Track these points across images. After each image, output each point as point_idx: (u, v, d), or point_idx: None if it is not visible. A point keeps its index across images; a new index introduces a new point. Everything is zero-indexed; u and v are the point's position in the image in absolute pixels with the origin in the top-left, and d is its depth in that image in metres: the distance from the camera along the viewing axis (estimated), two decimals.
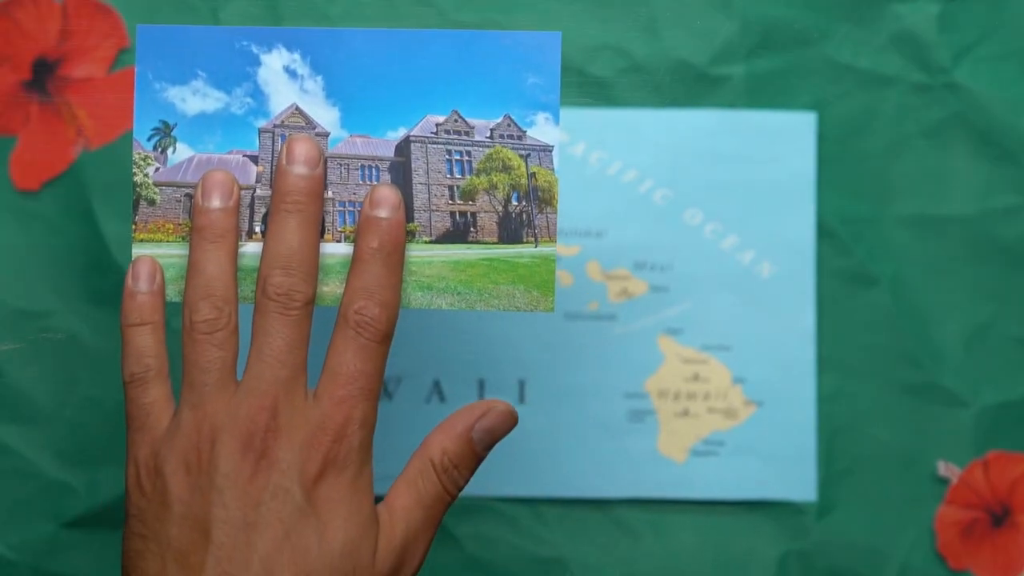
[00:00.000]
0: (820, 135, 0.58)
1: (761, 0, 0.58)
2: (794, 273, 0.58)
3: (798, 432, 0.58)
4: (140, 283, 0.43)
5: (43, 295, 0.57)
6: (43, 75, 0.57)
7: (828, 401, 0.58)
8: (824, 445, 0.58)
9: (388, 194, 0.42)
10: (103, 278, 0.57)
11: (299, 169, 0.42)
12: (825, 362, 0.58)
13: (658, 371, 0.58)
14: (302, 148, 0.42)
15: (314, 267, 0.42)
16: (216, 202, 0.42)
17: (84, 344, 0.57)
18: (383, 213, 0.42)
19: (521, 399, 0.58)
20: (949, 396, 0.58)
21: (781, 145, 0.58)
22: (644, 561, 0.58)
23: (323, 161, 0.43)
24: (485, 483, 0.57)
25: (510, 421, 0.43)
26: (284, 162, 0.42)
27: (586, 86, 0.58)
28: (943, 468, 0.58)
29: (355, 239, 0.42)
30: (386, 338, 0.41)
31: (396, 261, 0.42)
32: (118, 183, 0.57)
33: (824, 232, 0.58)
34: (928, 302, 0.58)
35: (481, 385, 0.58)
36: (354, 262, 0.42)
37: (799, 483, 0.58)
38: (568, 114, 0.58)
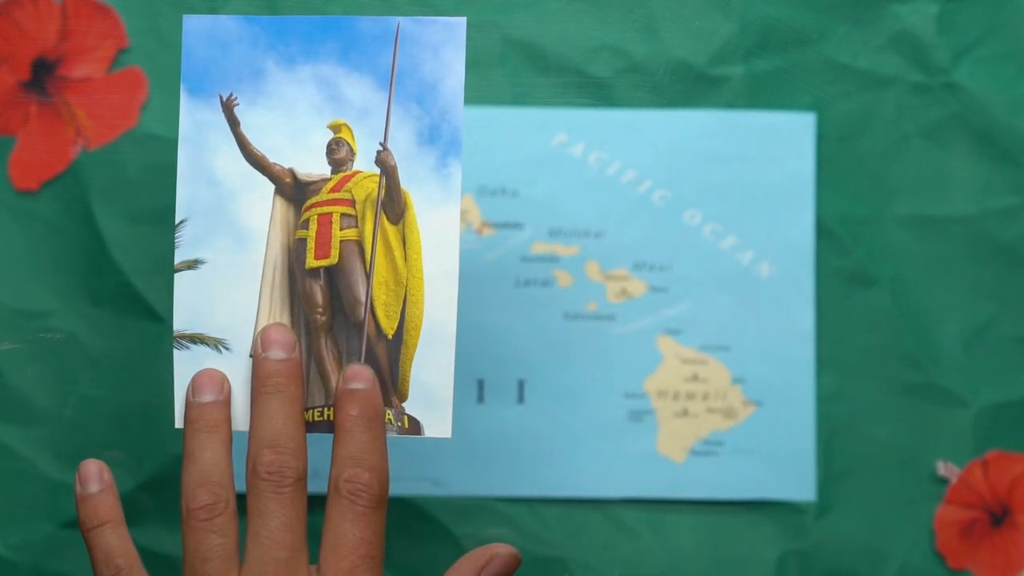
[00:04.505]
0: (819, 135, 0.58)
1: (760, 0, 0.58)
2: (793, 273, 0.58)
3: (797, 432, 0.58)
4: (90, 486, 0.43)
5: (43, 295, 0.57)
6: (42, 75, 0.57)
7: (827, 401, 0.58)
8: (823, 445, 0.58)
9: (361, 370, 0.43)
10: (102, 278, 0.57)
11: (276, 354, 0.42)
12: (824, 362, 0.58)
13: (657, 371, 0.58)
14: (277, 334, 0.43)
15: (302, 443, 0.42)
16: (208, 397, 0.42)
17: (84, 344, 0.57)
18: (359, 385, 0.42)
19: (520, 399, 0.58)
20: (948, 396, 0.58)
21: (780, 145, 0.58)
22: (643, 561, 0.58)
23: (298, 346, 0.43)
24: (485, 483, 0.57)
25: (515, 564, 0.43)
26: (260, 350, 0.42)
27: (585, 86, 0.58)
28: (942, 468, 0.58)
29: (334, 413, 0.42)
30: (381, 503, 0.41)
31: (379, 426, 0.42)
32: (117, 183, 0.57)
33: (823, 232, 0.58)
34: (928, 302, 0.58)
35: (480, 385, 0.58)
36: (337, 432, 0.42)
37: (798, 483, 0.58)
38: (568, 114, 0.58)
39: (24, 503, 0.57)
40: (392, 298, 0.44)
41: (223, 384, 0.43)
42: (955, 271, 0.58)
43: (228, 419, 0.42)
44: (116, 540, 0.42)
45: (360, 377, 0.42)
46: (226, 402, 0.43)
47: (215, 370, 0.43)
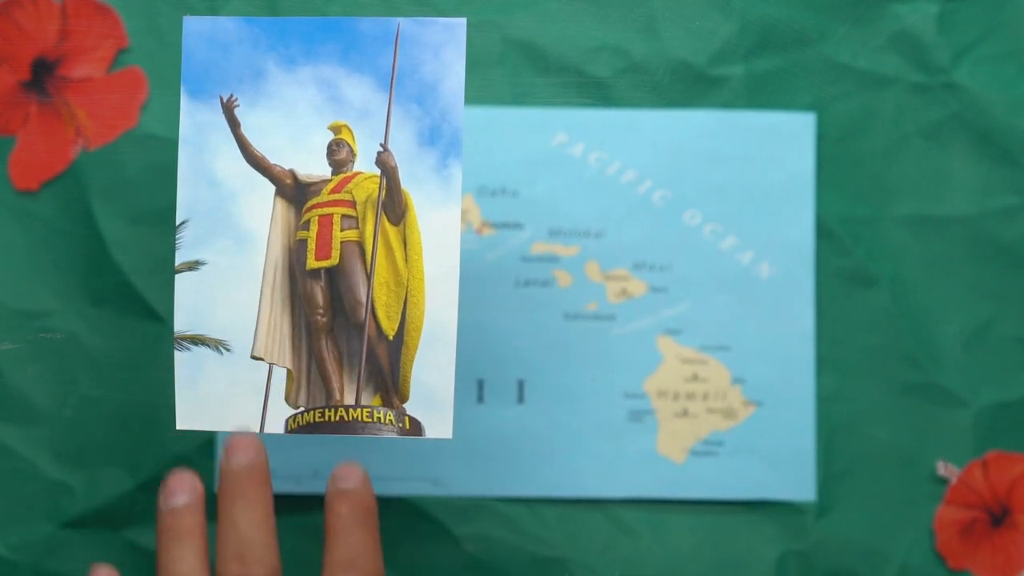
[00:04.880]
0: (819, 135, 0.58)
1: (760, 0, 0.58)
2: (793, 273, 0.58)
3: (797, 432, 0.58)
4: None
5: (42, 295, 0.57)
6: (42, 75, 0.57)
7: (827, 401, 0.58)
8: (823, 445, 0.58)
9: (351, 469, 0.42)
10: (102, 278, 0.57)
11: (238, 460, 0.42)
12: (824, 362, 0.58)
13: (657, 371, 0.58)
14: (237, 440, 0.42)
15: (270, 543, 0.41)
16: (181, 500, 0.41)
17: (83, 344, 0.57)
18: (349, 485, 0.41)
19: (520, 399, 0.58)
20: (948, 396, 0.58)
21: (780, 145, 0.58)
22: (643, 561, 0.58)
23: (262, 448, 0.42)
24: (485, 483, 0.57)
25: None
26: (224, 456, 0.42)
27: (585, 86, 0.58)
28: (942, 468, 0.58)
29: (325, 514, 0.41)
30: None
31: (371, 523, 0.41)
32: (117, 183, 0.57)
33: (823, 232, 0.58)
34: (927, 302, 0.58)
35: (480, 385, 0.58)
36: (328, 536, 0.41)
37: (798, 483, 0.58)
38: (567, 114, 0.58)
39: (24, 503, 0.57)
40: (393, 299, 0.44)
41: (195, 485, 0.42)
42: (955, 271, 0.58)
43: (202, 524, 0.42)
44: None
45: (350, 477, 0.42)
46: (199, 504, 0.42)
47: (187, 471, 0.42)
